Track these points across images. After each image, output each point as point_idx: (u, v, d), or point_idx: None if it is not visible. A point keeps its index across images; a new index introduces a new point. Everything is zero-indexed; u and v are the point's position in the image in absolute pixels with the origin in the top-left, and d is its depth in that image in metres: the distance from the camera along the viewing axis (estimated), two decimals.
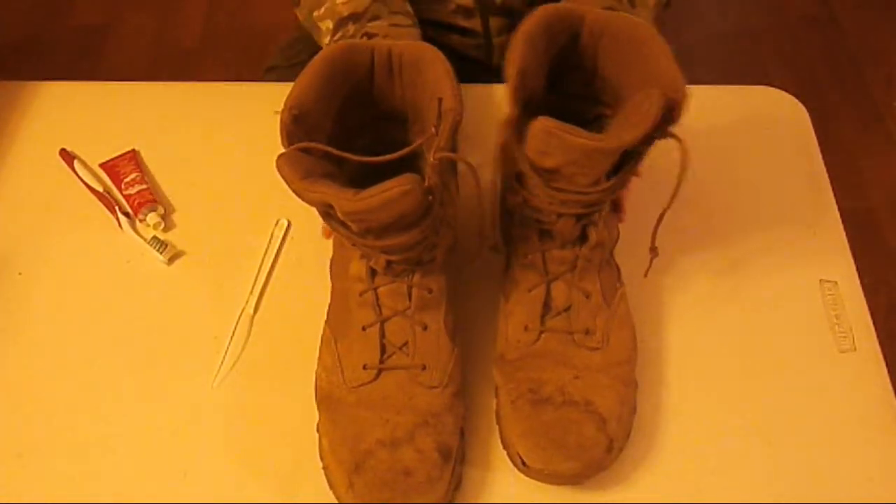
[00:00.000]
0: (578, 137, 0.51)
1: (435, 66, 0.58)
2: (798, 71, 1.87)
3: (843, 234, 0.72)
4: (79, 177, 0.78)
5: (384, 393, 0.59)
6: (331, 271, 0.66)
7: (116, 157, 0.80)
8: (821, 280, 0.70)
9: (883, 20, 1.97)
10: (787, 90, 0.86)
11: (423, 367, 0.59)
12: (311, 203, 0.55)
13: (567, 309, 0.61)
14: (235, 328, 0.68)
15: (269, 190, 0.76)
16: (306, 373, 0.66)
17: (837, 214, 0.74)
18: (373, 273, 0.60)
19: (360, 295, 0.61)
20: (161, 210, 0.75)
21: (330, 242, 0.68)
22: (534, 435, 0.57)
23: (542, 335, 0.61)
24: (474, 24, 0.85)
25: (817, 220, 0.73)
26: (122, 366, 0.67)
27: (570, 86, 0.61)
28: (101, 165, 0.79)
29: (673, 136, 0.54)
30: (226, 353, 0.67)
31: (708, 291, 0.70)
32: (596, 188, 0.56)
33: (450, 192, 0.61)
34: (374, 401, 0.59)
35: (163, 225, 0.75)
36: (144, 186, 0.77)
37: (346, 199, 0.51)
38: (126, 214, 0.76)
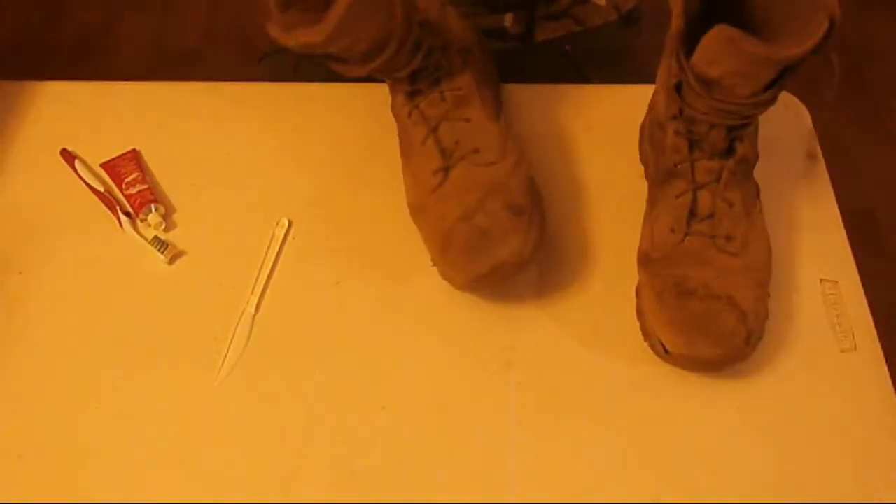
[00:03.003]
0: (756, 47, 0.56)
1: None
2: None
3: (844, 233, 0.72)
4: (80, 176, 0.78)
5: (454, 184, 0.67)
6: (392, 113, 0.74)
7: (117, 157, 0.80)
8: (821, 280, 0.70)
9: (883, 20, 1.97)
10: (786, 90, 0.86)
11: (477, 151, 0.68)
12: (297, 50, 0.62)
13: (711, 216, 0.65)
14: (236, 328, 0.68)
15: (270, 189, 0.77)
16: (307, 372, 0.66)
17: (838, 214, 0.74)
18: (411, 95, 0.70)
19: (409, 116, 0.70)
20: (162, 210, 0.76)
21: (329, 242, 0.68)
22: (679, 323, 0.61)
23: (687, 238, 0.65)
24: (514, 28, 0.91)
25: (817, 220, 0.73)
26: (122, 366, 0.67)
27: (718, 10, 0.64)
28: (102, 165, 0.79)
29: (828, 53, 0.59)
30: (227, 353, 0.67)
31: None
32: (753, 99, 0.62)
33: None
34: (448, 193, 0.67)
35: (164, 225, 0.75)
36: (145, 186, 0.77)
37: (312, 34, 0.60)
38: (127, 214, 0.76)
